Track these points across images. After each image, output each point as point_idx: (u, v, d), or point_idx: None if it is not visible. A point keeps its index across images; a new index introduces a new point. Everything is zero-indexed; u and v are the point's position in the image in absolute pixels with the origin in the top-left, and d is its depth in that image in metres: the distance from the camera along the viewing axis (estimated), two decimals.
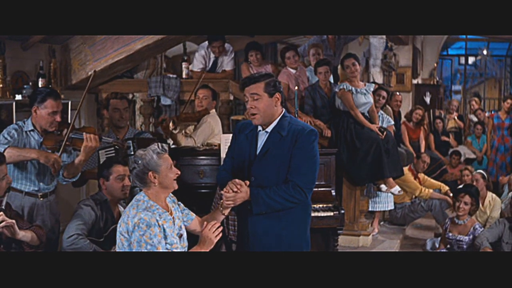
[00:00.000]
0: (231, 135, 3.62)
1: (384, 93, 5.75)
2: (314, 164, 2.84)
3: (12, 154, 3.34)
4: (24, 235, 3.07)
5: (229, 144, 3.09)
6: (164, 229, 2.63)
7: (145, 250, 2.55)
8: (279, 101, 2.82)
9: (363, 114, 5.15)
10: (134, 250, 2.58)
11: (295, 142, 2.78)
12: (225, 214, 2.88)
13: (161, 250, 2.59)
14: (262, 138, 2.86)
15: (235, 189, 2.74)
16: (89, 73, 4.97)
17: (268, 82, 2.80)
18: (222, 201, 2.80)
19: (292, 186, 2.77)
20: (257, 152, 2.85)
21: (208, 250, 2.71)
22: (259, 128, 2.87)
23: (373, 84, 5.48)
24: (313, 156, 2.82)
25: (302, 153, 2.79)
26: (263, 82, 2.78)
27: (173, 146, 4.40)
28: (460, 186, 6.17)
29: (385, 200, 5.60)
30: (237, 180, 2.76)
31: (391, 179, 5.18)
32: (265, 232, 2.83)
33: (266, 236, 2.84)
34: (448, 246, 5.02)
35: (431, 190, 6.13)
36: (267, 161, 2.81)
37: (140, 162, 2.66)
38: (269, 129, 2.84)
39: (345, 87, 5.05)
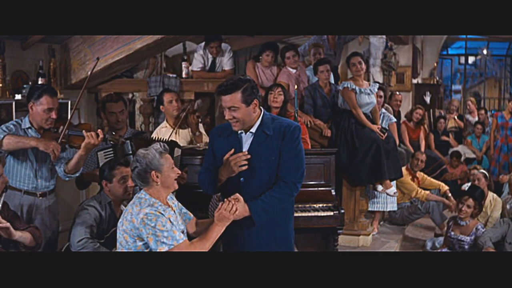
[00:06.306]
0: None
1: (381, 92, 5.75)
2: (302, 158, 2.87)
3: (11, 141, 3.37)
4: (21, 236, 3.07)
5: None
6: (171, 222, 2.64)
7: (165, 239, 2.55)
8: (257, 106, 2.81)
9: (365, 114, 5.14)
10: (152, 245, 2.57)
11: (282, 139, 2.81)
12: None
13: (177, 235, 2.59)
14: (247, 139, 2.86)
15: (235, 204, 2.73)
16: (89, 72, 4.97)
17: (244, 89, 2.74)
18: (219, 211, 2.73)
19: (284, 183, 2.81)
20: None
21: (224, 227, 2.72)
22: (240, 130, 2.86)
23: (377, 84, 5.46)
24: (300, 150, 2.87)
25: (291, 149, 2.82)
26: (239, 92, 2.73)
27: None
28: (466, 185, 6.18)
29: (385, 200, 5.59)
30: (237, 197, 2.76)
31: (387, 180, 5.17)
32: (260, 228, 2.84)
33: (261, 232, 2.85)
34: (450, 245, 5.03)
35: (427, 192, 6.13)
36: (255, 161, 2.81)
37: (142, 161, 2.67)
38: (253, 129, 2.84)
39: (348, 85, 5.03)
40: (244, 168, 2.79)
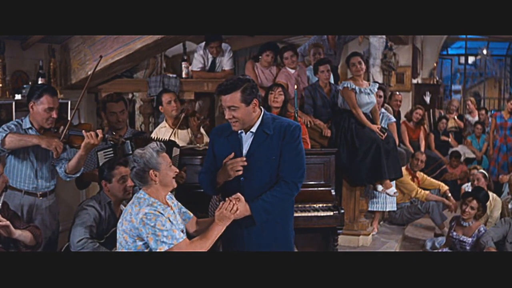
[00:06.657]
0: None
1: (380, 92, 5.75)
2: (302, 157, 2.88)
3: (14, 139, 3.37)
4: (21, 234, 3.08)
5: None
6: (170, 221, 2.64)
7: (165, 238, 2.56)
8: (256, 106, 2.82)
9: (365, 114, 5.13)
10: (152, 245, 2.58)
11: (283, 138, 2.82)
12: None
13: (177, 234, 2.60)
14: (247, 139, 2.86)
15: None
16: (89, 72, 4.97)
17: (244, 89, 2.75)
18: (220, 210, 2.75)
19: (285, 183, 2.82)
20: (244, 153, 2.85)
21: (224, 227, 2.73)
22: (240, 130, 2.87)
23: (377, 84, 5.46)
24: (301, 149, 2.87)
25: (292, 148, 2.83)
26: (239, 91, 2.74)
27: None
28: (466, 185, 6.19)
29: (384, 200, 5.59)
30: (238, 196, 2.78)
31: (387, 180, 5.17)
32: (260, 228, 2.84)
33: (261, 232, 2.86)
34: (451, 245, 5.03)
35: (427, 192, 6.13)
36: (256, 160, 2.82)
37: (140, 160, 2.67)
38: (253, 129, 2.84)
39: (348, 85, 5.03)
40: (239, 173, 2.80)
